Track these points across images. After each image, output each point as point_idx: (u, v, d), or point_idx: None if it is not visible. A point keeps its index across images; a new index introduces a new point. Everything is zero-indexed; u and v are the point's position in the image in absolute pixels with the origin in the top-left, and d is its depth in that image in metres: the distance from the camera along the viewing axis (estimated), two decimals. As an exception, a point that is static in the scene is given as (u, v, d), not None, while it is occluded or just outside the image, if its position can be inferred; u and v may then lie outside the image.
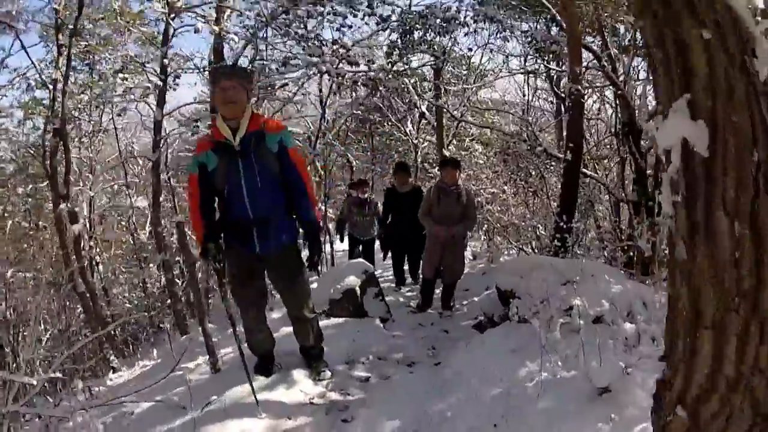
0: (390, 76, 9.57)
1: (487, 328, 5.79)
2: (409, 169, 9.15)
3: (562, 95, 10.64)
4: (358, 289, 6.50)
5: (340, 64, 8.46)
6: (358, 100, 13.40)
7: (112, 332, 7.81)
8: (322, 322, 5.23)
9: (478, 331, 6.04)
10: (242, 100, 3.78)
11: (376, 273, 7.28)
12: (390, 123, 18.67)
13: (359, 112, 16.20)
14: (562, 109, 12.34)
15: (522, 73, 10.41)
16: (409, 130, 16.53)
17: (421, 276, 7.67)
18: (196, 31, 7.77)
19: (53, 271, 11.67)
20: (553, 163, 9.67)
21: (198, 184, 3.86)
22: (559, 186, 9.11)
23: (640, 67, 9.73)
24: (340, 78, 8.29)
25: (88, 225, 12.78)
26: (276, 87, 11.53)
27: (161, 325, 9.77)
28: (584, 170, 8.19)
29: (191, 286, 6.28)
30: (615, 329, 4.14)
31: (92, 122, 14.26)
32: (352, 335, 5.75)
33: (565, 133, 8.09)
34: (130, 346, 8.99)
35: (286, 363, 4.66)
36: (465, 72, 15.06)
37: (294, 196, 3.96)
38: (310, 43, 8.68)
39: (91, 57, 11.83)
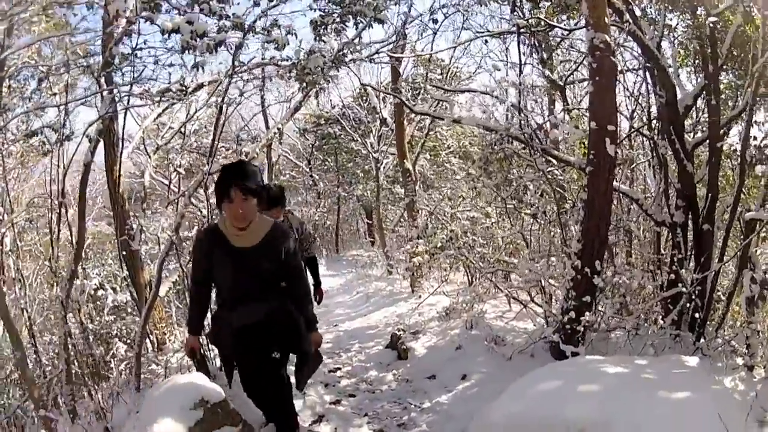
0: (315, 56, 6.41)
1: None
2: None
3: (560, 83, 7.42)
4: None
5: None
6: (295, 104, 10.22)
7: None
8: None
9: None
10: None
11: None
12: (348, 137, 15.74)
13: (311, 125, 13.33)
14: (557, 105, 9.20)
15: (507, 33, 7.14)
16: (371, 143, 13.44)
17: None
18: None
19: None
20: (559, 172, 6.47)
21: None
22: (570, 205, 5.95)
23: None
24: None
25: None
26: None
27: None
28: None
29: None
30: None
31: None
32: None
33: (588, 118, 4.91)
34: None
35: None
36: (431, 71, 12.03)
37: None
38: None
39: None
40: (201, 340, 3.82)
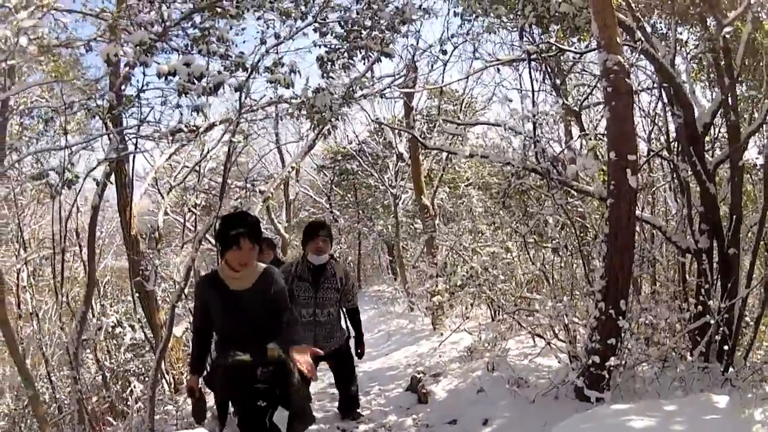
0: (322, 94, 6.31)
1: None
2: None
3: (575, 108, 7.24)
4: None
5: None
6: (308, 143, 10.20)
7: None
8: None
9: None
10: None
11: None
12: (366, 172, 15.71)
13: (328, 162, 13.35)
14: (573, 131, 8.99)
15: (518, 60, 6.96)
16: (388, 178, 13.36)
17: None
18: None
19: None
20: (579, 203, 6.26)
21: None
22: (593, 237, 5.75)
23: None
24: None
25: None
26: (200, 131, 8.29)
27: None
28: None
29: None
30: None
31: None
32: None
33: (606, 147, 4.73)
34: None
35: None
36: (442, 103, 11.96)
37: None
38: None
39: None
40: (200, 381, 3.95)
